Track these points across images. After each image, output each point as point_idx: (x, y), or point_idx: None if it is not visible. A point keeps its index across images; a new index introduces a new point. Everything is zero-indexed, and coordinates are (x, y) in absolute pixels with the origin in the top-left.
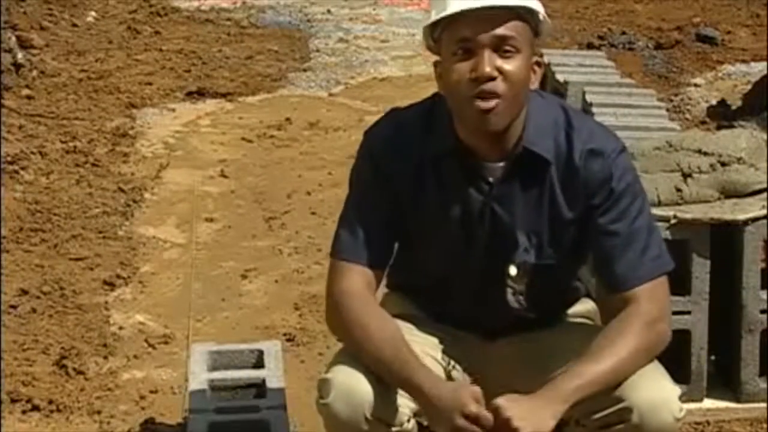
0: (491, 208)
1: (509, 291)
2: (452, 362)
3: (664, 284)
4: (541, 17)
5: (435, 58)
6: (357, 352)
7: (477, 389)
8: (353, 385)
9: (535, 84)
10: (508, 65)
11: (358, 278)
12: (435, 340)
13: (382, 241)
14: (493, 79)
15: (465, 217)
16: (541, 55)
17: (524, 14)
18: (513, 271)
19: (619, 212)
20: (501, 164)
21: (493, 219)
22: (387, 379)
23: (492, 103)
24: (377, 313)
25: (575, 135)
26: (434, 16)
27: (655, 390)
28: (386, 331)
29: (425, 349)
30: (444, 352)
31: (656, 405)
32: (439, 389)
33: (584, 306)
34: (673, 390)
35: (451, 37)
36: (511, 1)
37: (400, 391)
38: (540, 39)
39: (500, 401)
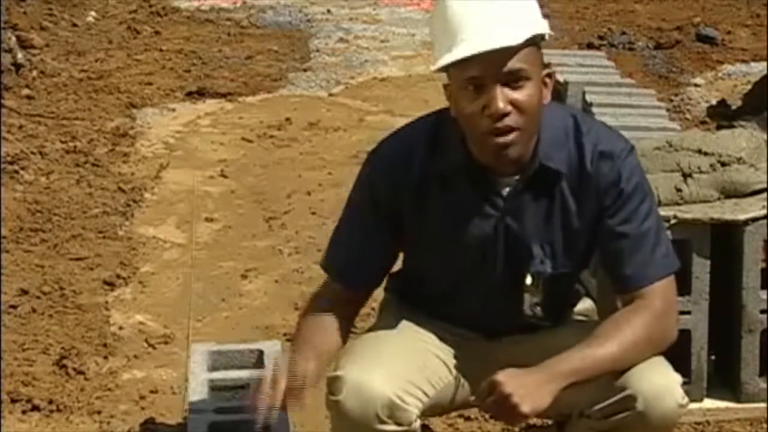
0: (505, 223)
1: (526, 302)
2: (463, 381)
3: (672, 283)
4: (547, 36)
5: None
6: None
7: (310, 368)
8: (365, 383)
9: (548, 98)
10: (521, 95)
11: (332, 296)
12: (437, 340)
13: (371, 265)
14: (507, 114)
15: (480, 233)
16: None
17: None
18: (529, 281)
19: (628, 213)
20: (515, 178)
21: (507, 233)
22: None
23: (509, 137)
24: (324, 319)
25: (585, 140)
26: (441, 62)
27: (658, 377)
28: (317, 328)
29: (430, 348)
30: (454, 357)
31: (660, 392)
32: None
33: (584, 305)
34: (676, 377)
35: (460, 74)
36: (518, 38)
37: (410, 390)
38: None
39: (499, 377)
